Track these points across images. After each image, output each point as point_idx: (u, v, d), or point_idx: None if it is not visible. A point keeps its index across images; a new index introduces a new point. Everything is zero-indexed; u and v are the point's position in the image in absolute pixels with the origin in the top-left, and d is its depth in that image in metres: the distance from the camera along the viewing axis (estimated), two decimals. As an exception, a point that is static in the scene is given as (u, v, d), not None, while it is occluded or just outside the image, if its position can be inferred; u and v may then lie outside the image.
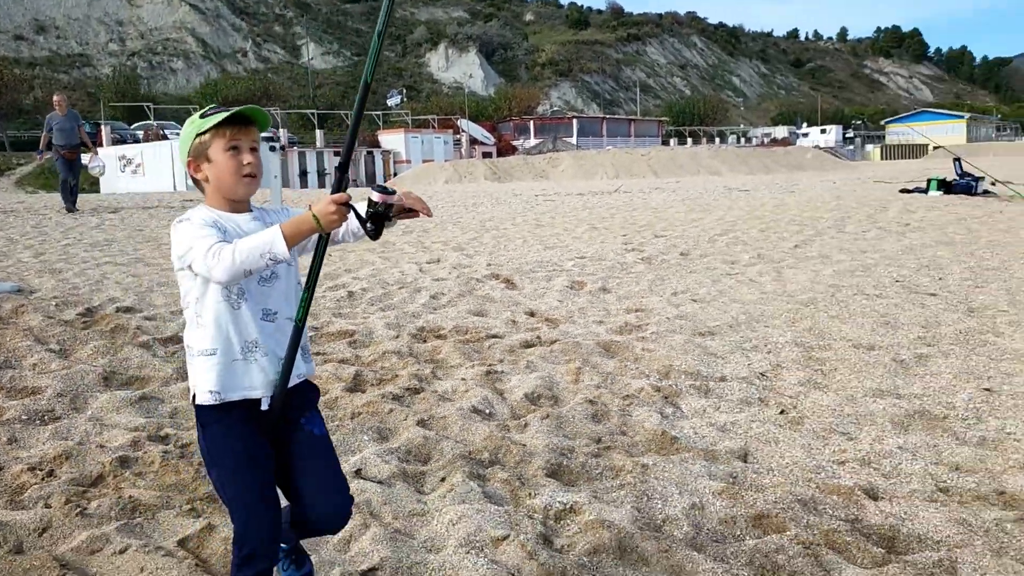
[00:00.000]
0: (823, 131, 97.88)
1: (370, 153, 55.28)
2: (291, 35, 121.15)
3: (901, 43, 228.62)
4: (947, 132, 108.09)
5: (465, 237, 12.06)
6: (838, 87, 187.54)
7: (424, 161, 55.35)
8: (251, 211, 2.47)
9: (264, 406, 2.42)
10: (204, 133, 2.36)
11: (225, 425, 2.40)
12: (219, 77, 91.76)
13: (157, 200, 25.22)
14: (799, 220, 14.73)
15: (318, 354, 5.68)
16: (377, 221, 2.34)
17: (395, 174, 53.01)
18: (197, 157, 2.40)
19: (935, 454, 4.58)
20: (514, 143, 69.76)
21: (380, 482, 3.82)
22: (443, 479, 3.91)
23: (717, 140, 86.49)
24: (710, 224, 13.98)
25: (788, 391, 5.48)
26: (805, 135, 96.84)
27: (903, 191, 21.59)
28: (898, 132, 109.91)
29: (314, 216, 2.22)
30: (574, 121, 75.62)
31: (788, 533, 3.59)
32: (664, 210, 16.75)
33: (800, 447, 4.55)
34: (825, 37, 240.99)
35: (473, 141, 64.56)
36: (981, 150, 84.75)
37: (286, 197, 23.36)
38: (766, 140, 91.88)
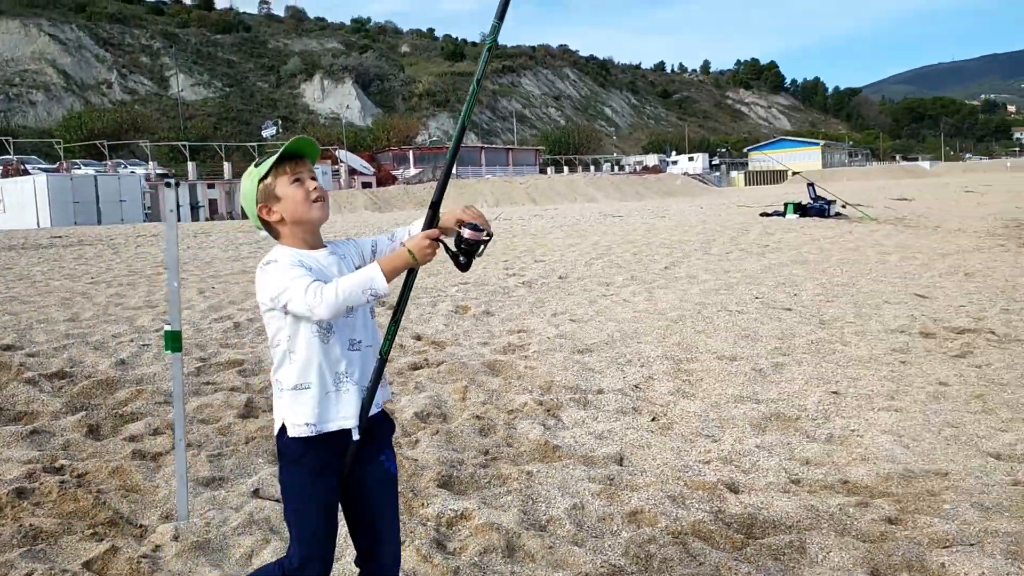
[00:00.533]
0: (691, 159, 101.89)
1: (246, 185, 54.05)
2: (159, 66, 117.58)
3: (760, 75, 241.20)
4: (804, 159, 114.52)
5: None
6: (703, 117, 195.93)
7: (302, 192, 54.52)
8: (325, 246, 2.51)
9: (356, 436, 2.45)
10: (265, 177, 2.43)
11: (313, 467, 2.41)
12: (83, 109, 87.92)
13: (23, 238, 24.12)
14: (668, 243, 15.51)
15: (207, 384, 5.74)
16: (468, 255, 2.42)
17: (272, 206, 52.00)
18: (267, 200, 2.44)
19: (788, 451, 5.07)
20: (394, 173, 69.71)
21: (277, 500, 3.97)
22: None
23: (592, 168, 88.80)
24: (586, 249, 14.55)
25: (659, 400, 5.90)
26: (674, 163, 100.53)
27: (763, 215, 22.92)
28: (759, 159, 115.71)
29: (409, 252, 2.32)
30: (453, 151, 76.17)
31: (659, 525, 3.95)
32: (543, 236, 17.29)
33: (670, 450, 4.94)
34: (690, 69, 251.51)
35: (352, 171, 64.21)
36: (835, 175, 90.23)
37: (199, 228, 22.77)
38: (638, 168, 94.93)
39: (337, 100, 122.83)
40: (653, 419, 5.47)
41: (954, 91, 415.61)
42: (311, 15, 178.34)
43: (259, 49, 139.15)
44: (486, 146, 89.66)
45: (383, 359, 2.48)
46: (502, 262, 12.68)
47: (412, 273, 2.44)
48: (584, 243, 15.59)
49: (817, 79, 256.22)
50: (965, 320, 9.09)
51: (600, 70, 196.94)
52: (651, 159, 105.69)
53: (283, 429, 2.44)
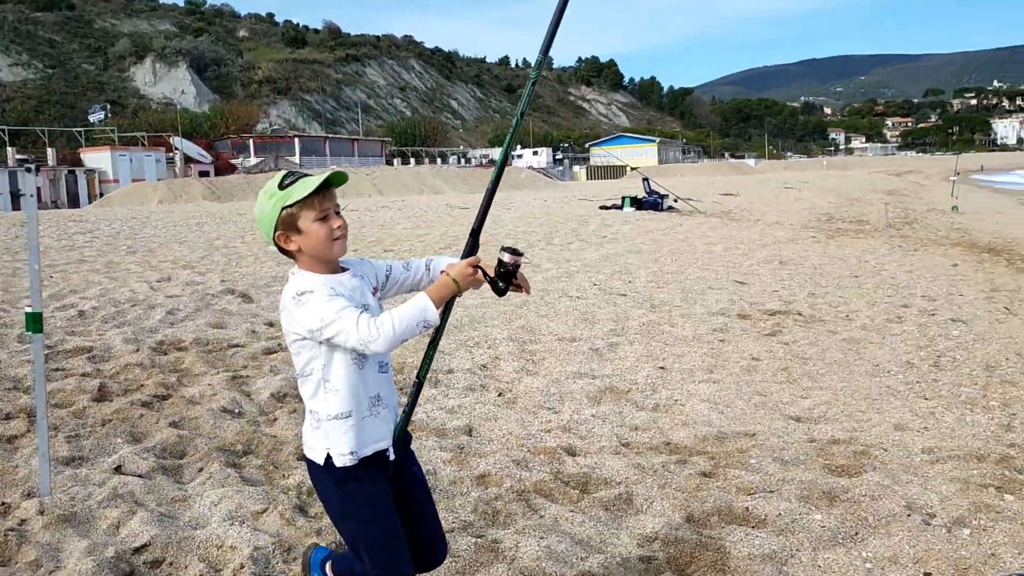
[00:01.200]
0: (535, 153, 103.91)
1: (72, 172, 51.10)
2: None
3: (600, 72, 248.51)
4: (641, 155, 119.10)
5: (194, 256, 11.98)
6: (547, 112, 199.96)
7: (134, 180, 52.06)
8: (346, 269, 2.51)
9: (392, 456, 2.52)
10: (291, 206, 2.34)
11: (362, 480, 2.45)
12: None
13: None
14: (514, 235, 16.09)
15: (57, 370, 5.69)
16: (506, 280, 2.51)
17: (101, 194, 49.36)
18: (287, 230, 2.37)
19: (620, 419, 5.61)
20: (233, 162, 67.45)
21: (141, 476, 4.11)
22: (201, 469, 4.26)
23: (439, 160, 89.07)
24: (435, 239, 14.89)
25: (505, 378, 6.33)
26: (519, 156, 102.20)
27: (602, 208, 23.99)
28: (600, 155, 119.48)
29: (454, 281, 2.42)
30: (296, 140, 74.66)
31: (504, 485, 4.36)
32: (392, 226, 17.49)
33: (515, 421, 5.37)
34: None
35: (188, 159, 61.67)
36: (670, 171, 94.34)
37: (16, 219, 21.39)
38: (484, 161, 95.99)
39: (171, 85, 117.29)
40: (500, 395, 5.89)
41: (777, 93, 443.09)
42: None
43: (84, 29, 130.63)
44: (331, 136, 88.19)
45: (421, 382, 2.57)
46: (351, 252, 12.82)
47: (452, 299, 2.50)
48: (433, 233, 15.93)
49: (653, 78, 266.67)
50: (777, 303, 10.06)
51: (446, 62, 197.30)
52: (496, 152, 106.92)
53: (329, 459, 2.43)
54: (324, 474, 2.46)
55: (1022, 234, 21.69)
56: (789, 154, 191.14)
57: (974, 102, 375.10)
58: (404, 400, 2.63)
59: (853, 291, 11.30)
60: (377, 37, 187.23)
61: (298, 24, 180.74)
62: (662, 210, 22.88)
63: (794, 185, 46.53)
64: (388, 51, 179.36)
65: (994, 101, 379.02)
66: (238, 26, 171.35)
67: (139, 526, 3.58)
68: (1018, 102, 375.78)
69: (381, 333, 2.24)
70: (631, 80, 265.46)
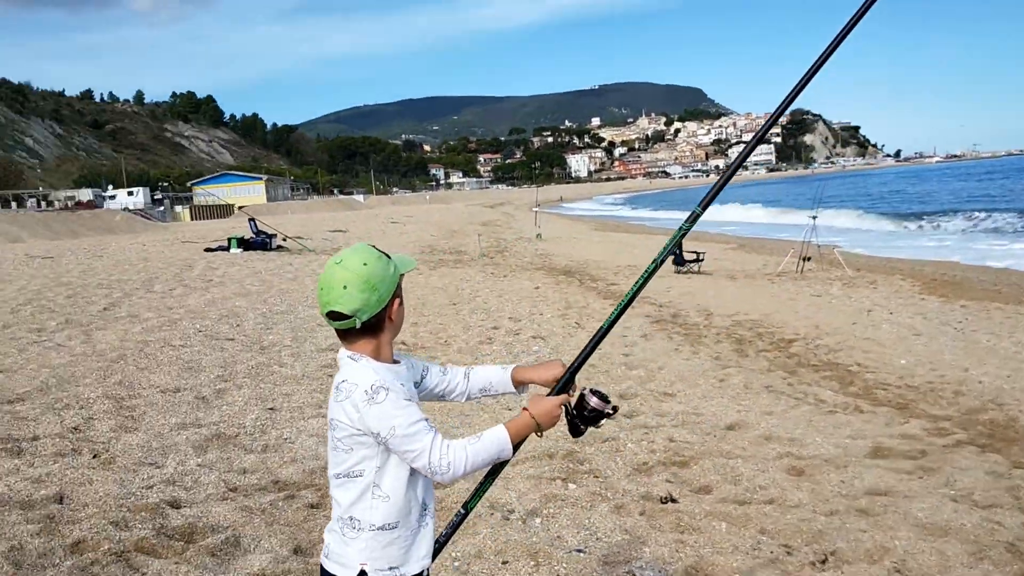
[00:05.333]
0: (130, 193, 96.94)
1: None
2: None
3: (198, 108, 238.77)
4: (249, 192, 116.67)
5: None
6: (142, 149, 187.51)
7: None
8: (398, 361, 2.29)
9: (429, 570, 2.28)
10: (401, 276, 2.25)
11: None
12: None
13: None
14: (107, 283, 14.99)
15: None
16: (586, 423, 2.34)
17: None
18: (399, 296, 2.24)
19: (228, 464, 5.63)
20: None
21: None
22: None
23: (14, 204, 79.30)
24: (11, 294, 13.38)
25: (101, 438, 6.01)
26: (113, 197, 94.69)
27: (207, 250, 23.20)
28: (203, 193, 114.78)
29: (535, 419, 2.25)
30: None
31: (102, 548, 4.20)
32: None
33: (112, 482, 5.15)
34: (122, 99, 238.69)
35: None
36: (281, 208, 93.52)
37: None
38: (70, 203, 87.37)
39: None
40: (95, 456, 5.59)
41: (378, 131, 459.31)
42: None
43: None
44: None
45: (466, 513, 2.45)
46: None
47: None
48: (9, 288, 14.25)
49: (256, 115, 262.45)
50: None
51: (16, 95, 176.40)
52: (85, 193, 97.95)
53: (363, 575, 2.18)
54: None
55: (592, 256, 25.01)
56: (395, 189, 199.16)
57: (551, 139, 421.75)
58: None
59: (451, 317, 12.28)
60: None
61: None
62: (271, 249, 22.75)
63: (400, 220, 48.71)
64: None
65: (567, 139, 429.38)
66: None
67: None
68: (586, 139, 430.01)
69: (452, 468, 2.10)
70: (232, 116, 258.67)
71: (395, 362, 2.27)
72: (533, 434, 2.29)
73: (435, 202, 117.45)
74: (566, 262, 22.86)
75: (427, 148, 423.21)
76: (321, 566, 2.25)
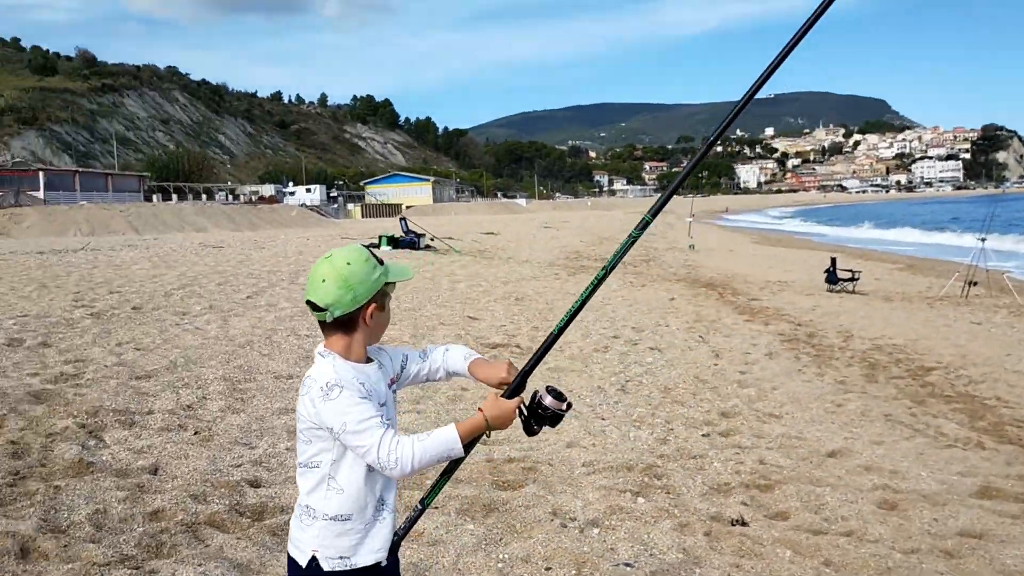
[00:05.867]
0: (308, 190, 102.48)
1: None
2: None
3: (376, 111, 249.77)
4: (416, 193, 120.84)
5: None
6: (322, 149, 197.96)
7: None
8: (372, 360, 2.36)
9: (384, 563, 2.34)
10: (390, 283, 2.32)
11: None
12: None
13: None
14: (258, 273, 15.96)
15: None
16: (540, 423, 2.35)
17: None
18: (379, 303, 2.30)
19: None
20: (-36, 197, 61.34)
21: None
22: None
23: (204, 197, 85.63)
24: (170, 279, 14.49)
25: (208, 417, 6.42)
26: (292, 194, 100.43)
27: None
28: (374, 192, 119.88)
29: (487, 421, 2.27)
30: (40, 174, 69.07)
31: (176, 519, 4.50)
32: (128, 267, 16.77)
33: (205, 458, 5.50)
34: (307, 101, 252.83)
35: (-92, 194, 55.42)
36: (445, 209, 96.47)
37: None
38: (254, 198, 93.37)
39: None
40: (196, 433, 5.99)
41: (546, 136, 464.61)
42: None
43: None
44: (82, 170, 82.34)
45: (423, 508, 2.48)
46: (72, 294, 12.23)
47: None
48: (170, 274, 15.46)
49: (429, 119, 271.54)
50: (500, 337, 10.75)
51: (213, 96, 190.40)
52: (268, 189, 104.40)
53: (314, 561, 2.26)
54: (307, 574, 2.27)
55: (742, 269, 24.32)
56: (558, 195, 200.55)
57: (720, 149, 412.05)
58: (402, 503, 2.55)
59: (574, 324, 12.24)
60: (137, 67, 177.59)
61: (47, 50, 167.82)
62: (419, 248, 23.49)
63: (553, 225, 49.03)
64: (149, 82, 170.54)
65: (737, 148, 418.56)
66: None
67: None
68: (757, 149, 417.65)
69: (399, 464, 2.14)
70: (407, 119, 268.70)
71: (368, 361, 2.33)
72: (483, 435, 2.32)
73: (596, 208, 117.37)
74: (712, 274, 22.34)
75: (593, 154, 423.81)
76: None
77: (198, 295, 12.27)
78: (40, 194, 63.51)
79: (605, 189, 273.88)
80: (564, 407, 2.35)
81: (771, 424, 7.28)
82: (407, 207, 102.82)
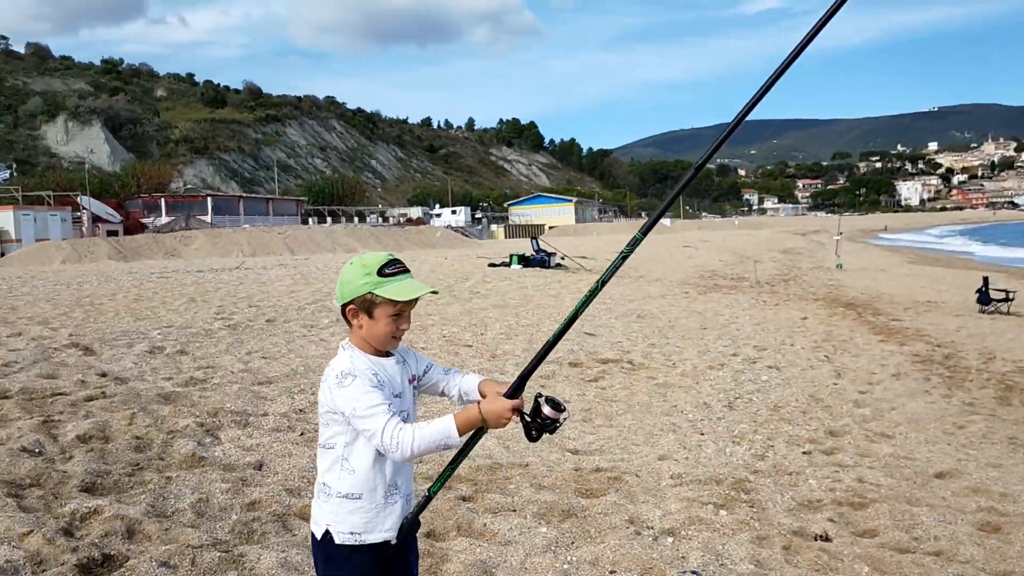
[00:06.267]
0: (454, 212, 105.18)
1: (-30, 231, 49.99)
2: None
3: (521, 134, 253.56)
4: (559, 214, 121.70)
5: (55, 312, 12.20)
6: (468, 172, 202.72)
7: (38, 240, 51.07)
8: (391, 355, 2.54)
9: (394, 542, 2.52)
10: (378, 295, 2.41)
11: (354, 565, 2.46)
12: None
13: None
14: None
15: None
16: (540, 431, 2.48)
17: (2, 254, 48.28)
18: (360, 308, 2.44)
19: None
20: (144, 221, 66.64)
21: (-80, 506, 4.47)
22: (-18, 500, 4.65)
23: (356, 219, 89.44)
24: (305, 295, 15.33)
25: (315, 420, 6.82)
26: (438, 215, 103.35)
27: (491, 265, 24.73)
28: (518, 214, 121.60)
29: (483, 418, 2.39)
30: (208, 199, 74.23)
31: (269, 509, 4.85)
32: (271, 284, 17.86)
33: (307, 457, 5.86)
34: (455, 126, 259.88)
35: (96, 219, 60.77)
36: (587, 229, 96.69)
37: None
38: (402, 220, 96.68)
39: (84, 143, 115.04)
40: (301, 434, 6.38)
41: (692, 155, 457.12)
42: (56, 54, 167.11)
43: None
44: (245, 195, 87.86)
45: (431, 496, 2.60)
46: (216, 307, 13.18)
47: (480, 430, 2.47)
48: (306, 290, 16.35)
49: (573, 140, 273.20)
50: (613, 353, 10.79)
51: (367, 123, 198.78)
52: (415, 212, 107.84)
53: (327, 534, 2.47)
54: (319, 549, 2.49)
55: (890, 289, 23.24)
56: (704, 214, 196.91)
57: (879, 165, 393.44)
58: (418, 489, 2.71)
59: (693, 341, 12.14)
60: (298, 98, 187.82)
61: (218, 84, 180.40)
62: (549, 267, 23.75)
63: (693, 244, 48.28)
64: (309, 111, 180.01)
65: (898, 164, 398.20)
66: (156, 85, 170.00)
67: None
68: (920, 165, 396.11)
69: (400, 448, 2.30)
70: (551, 141, 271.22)
71: (388, 355, 2.52)
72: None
73: (743, 228, 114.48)
74: (855, 294, 21.46)
75: (742, 172, 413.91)
76: None
77: (327, 309, 12.93)
78: (208, 218, 68.16)
79: (755, 208, 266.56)
80: (561, 417, 2.47)
81: (880, 444, 7.02)
82: (549, 228, 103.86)
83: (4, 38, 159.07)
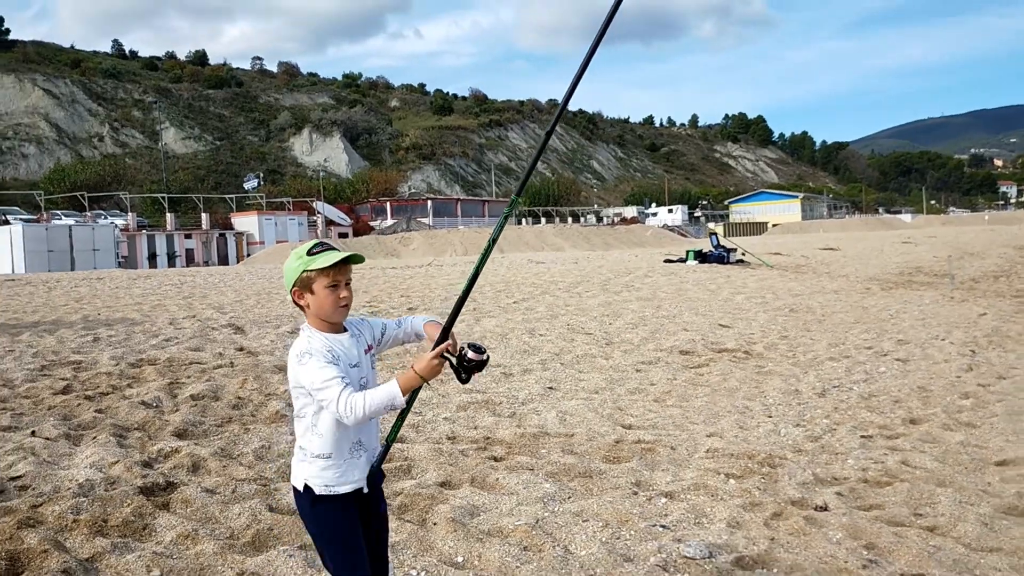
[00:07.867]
0: (670, 211, 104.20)
1: (223, 235, 56.35)
2: (150, 120, 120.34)
3: (748, 129, 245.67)
4: (783, 211, 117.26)
5: (229, 299, 13.97)
6: (690, 170, 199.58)
7: (278, 242, 56.77)
8: (347, 330, 2.86)
9: (365, 490, 2.90)
10: (311, 271, 2.72)
11: (335, 506, 2.83)
12: (71, 161, 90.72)
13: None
14: (536, 283, 17.37)
15: (44, 375, 7.50)
16: (468, 372, 2.80)
17: (248, 254, 54.09)
18: (302, 288, 2.76)
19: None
20: (371, 224, 71.92)
21: (47, 438, 5.69)
22: (95, 438, 5.81)
23: (569, 219, 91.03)
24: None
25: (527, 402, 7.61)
26: (654, 214, 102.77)
27: (666, 261, 24.76)
28: (739, 211, 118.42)
29: (419, 375, 2.68)
30: (428, 202, 78.68)
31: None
32: (438, 278, 19.12)
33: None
34: (678, 123, 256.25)
35: (329, 222, 66.36)
36: (812, 227, 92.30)
37: (139, 275, 24.48)
38: (616, 219, 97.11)
39: (325, 153, 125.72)
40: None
41: (942, 146, 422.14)
42: (304, 71, 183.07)
43: (250, 104, 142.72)
44: (463, 198, 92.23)
45: (389, 444, 2.97)
46: (372, 296, 14.45)
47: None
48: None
49: (805, 133, 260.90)
50: (734, 343, 10.82)
51: (588, 124, 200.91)
52: (630, 211, 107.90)
53: (307, 488, 2.82)
54: (303, 499, 2.85)
55: None
56: (952, 208, 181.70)
57: None
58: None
59: (833, 334, 11.84)
60: (521, 102, 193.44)
61: (446, 93, 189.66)
62: (728, 263, 23.43)
63: (914, 239, 45.18)
64: (531, 115, 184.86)
65: None
66: (391, 96, 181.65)
67: (23, 466, 5.13)
68: None
69: (353, 412, 2.61)
70: (781, 135, 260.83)
71: (343, 331, 2.85)
72: (424, 383, 2.75)
73: (994, 223, 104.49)
74: (1072, 292, 19.51)
75: (998, 163, 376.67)
76: None
77: (472, 298, 13.83)
78: (428, 220, 72.29)
79: (1012, 201, 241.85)
80: (484, 356, 2.79)
81: (956, 432, 6.77)
82: (773, 225, 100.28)
83: (259, 59, 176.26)
